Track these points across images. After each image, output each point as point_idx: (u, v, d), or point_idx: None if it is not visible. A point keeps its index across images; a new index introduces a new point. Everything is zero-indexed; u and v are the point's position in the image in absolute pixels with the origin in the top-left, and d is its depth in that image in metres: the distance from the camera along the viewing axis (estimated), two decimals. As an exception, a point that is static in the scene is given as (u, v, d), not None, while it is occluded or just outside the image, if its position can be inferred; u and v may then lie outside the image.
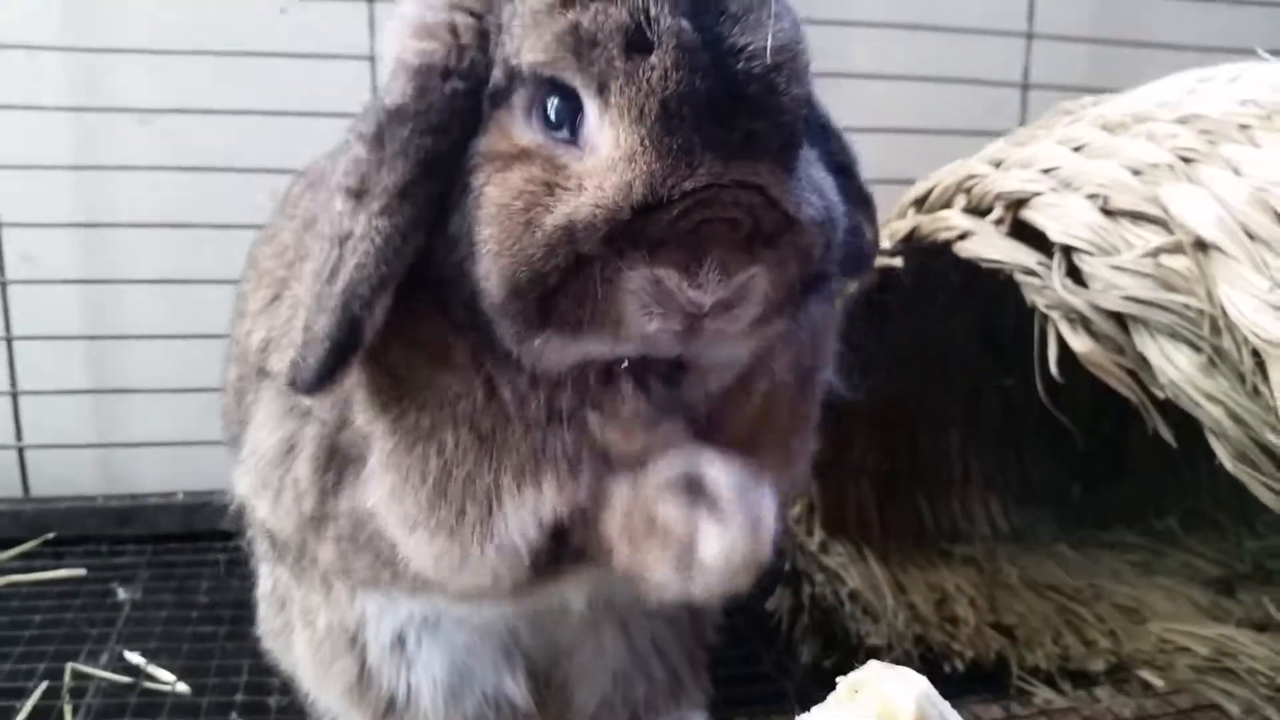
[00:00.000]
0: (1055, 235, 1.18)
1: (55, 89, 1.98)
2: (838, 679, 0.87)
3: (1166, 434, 1.13)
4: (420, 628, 1.21)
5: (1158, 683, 1.52)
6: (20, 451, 2.07)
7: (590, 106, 0.86)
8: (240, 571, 1.57)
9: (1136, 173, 1.18)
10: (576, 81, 0.86)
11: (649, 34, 0.82)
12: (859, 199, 1.06)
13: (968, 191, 1.32)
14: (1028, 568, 1.77)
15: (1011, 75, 2.21)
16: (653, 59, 0.82)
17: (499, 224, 0.86)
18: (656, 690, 1.33)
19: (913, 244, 1.38)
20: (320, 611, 1.23)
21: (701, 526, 0.91)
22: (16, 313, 2.01)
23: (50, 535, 1.99)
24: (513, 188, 0.86)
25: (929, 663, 1.55)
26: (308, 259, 1.11)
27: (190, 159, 1.99)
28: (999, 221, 1.26)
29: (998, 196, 1.27)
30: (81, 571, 1.90)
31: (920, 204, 1.40)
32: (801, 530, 1.65)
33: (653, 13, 0.83)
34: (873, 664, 0.86)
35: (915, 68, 2.16)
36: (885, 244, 1.41)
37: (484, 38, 0.92)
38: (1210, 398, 1.05)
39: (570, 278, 0.84)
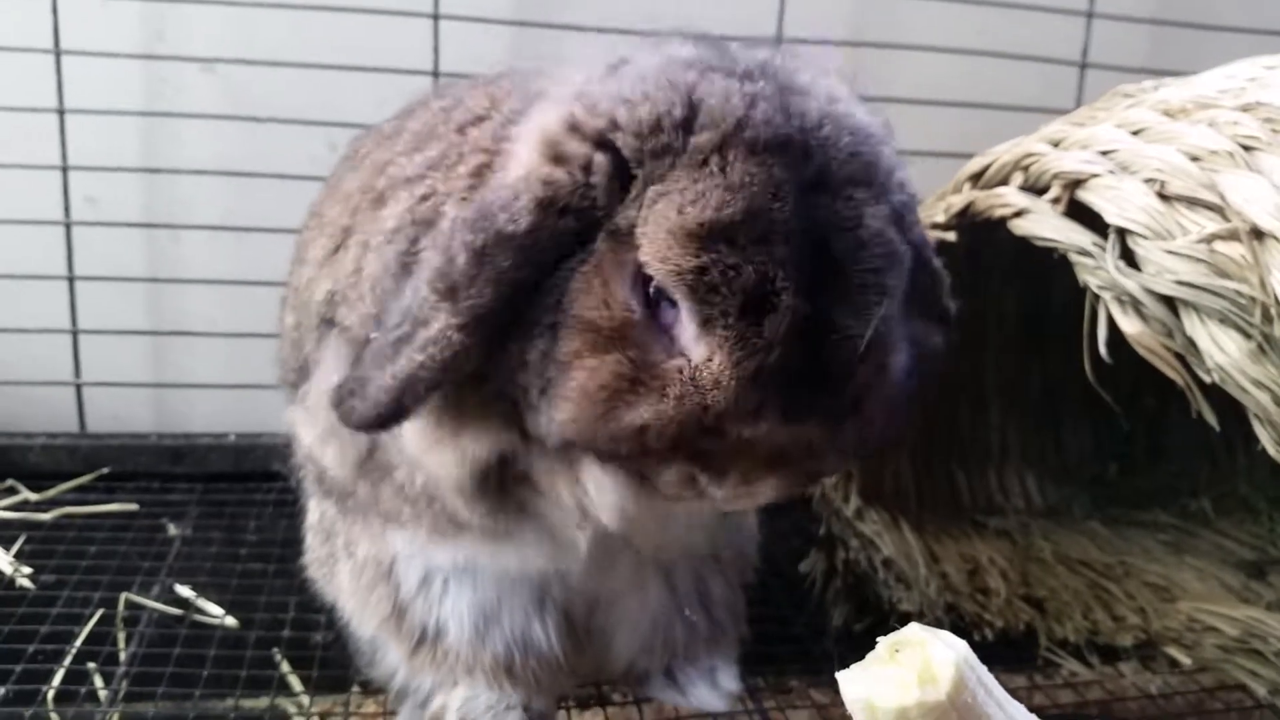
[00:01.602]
0: (1111, 217, 1.19)
1: (126, 36, 2.01)
2: (878, 639, 0.89)
3: (1211, 417, 1.14)
4: (448, 573, 1.24)
5: (1185, 660, 1.55)
6: (78, 388, 2.12)
7: (690, 322, 0.89)
8: (288, 511, 1.62)
9: (1195, 159, 1.18)
10: (685, 304, 0.89)
11: (767, 305, 0.86)
12: (939, 317, 1.08)
13: (1025, 169, 1.33)
14: (1060, 543, 1.79)
15: (1070, 54, 2.20)
16: (764, 328, 0.86)
17: (579, 406, 0.92)
18: (697, 636, 1.36)
19: (967, 219, 1.39)
20: (360, 543, 1.28)
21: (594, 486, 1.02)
22: (79, 253, 2.05)
23: (105, 470, 2.05)
24: (600, 379, 0.91)
25: (959, 631, 1.53)
26: (377, 204, 1.15)
27: (251, 109, 2.02)
28: (1055, 201, 1.27)
29: (1055, 176, 1.27)
30: (134, 506, 1.95)
31: (977, 180, 1.41)
32: (838, 496, 1.68)
33: (777, 286, 0.86)
34: (913, 625, 0.88)
35: (974, 42, 2.17)
36: (939, 218, 1.43)
37: (621, 173, 0.91)
38: (1258, 384, 1.06)
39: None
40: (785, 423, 0.89)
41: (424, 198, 1.08)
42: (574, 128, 0.92)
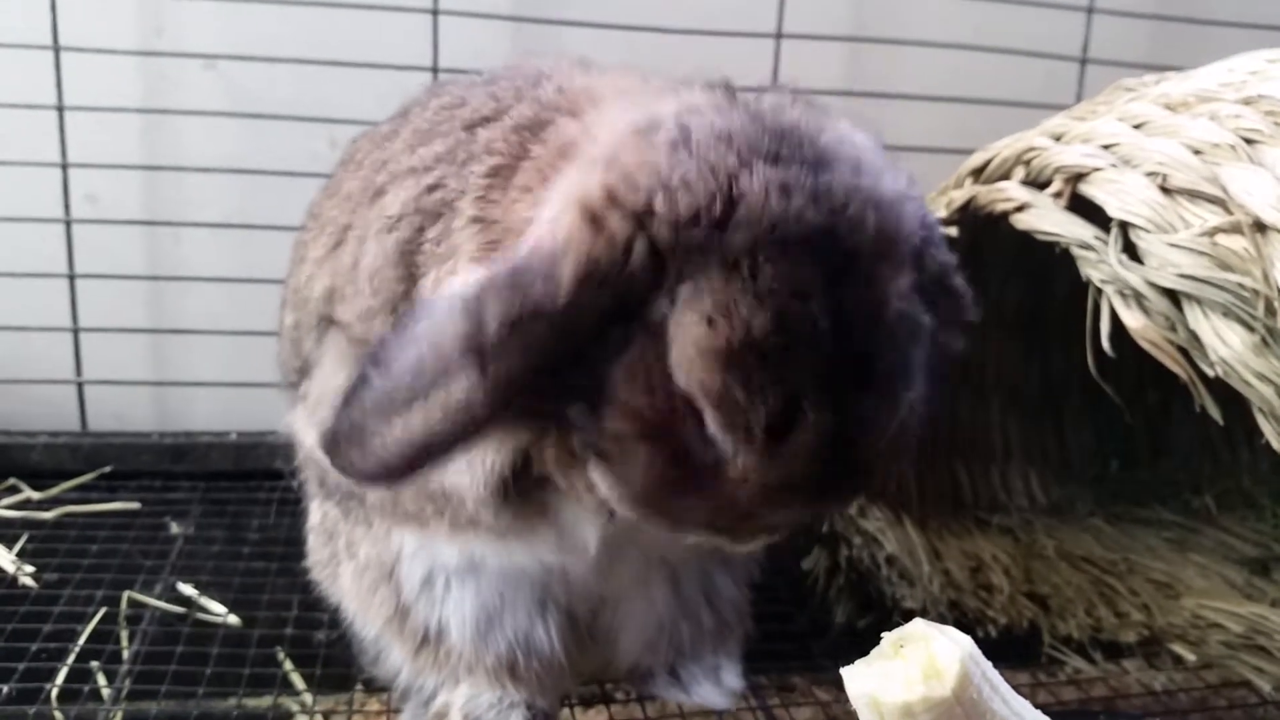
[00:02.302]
0: (1113, 211, 1.19)
1: (124, 33, 2.01)
2: (882, 635, 0.89)
3: (1214, 411, 1.14)
4: (450, 573, 1.24)
5: (1189, 657, 1.54)
6: (79, 387, 2.12)
7: (715, 426, 0.88)
8: (291, 510, 1.61)
9: (1197, 152, 1.18)
10: (708, 414, 0.88)
11: (793, 423, 0.86)
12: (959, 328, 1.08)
13: (1027, 164, 1.32)
14: (1063, 540, 1.78)
15: (1071, 49, 2.19)
16: (787, 445, 0.87)
17: (638, 497, 0.95)
18: (703, 634, 1.36)
19: (969, 214, 1.39)
20: (362, 544, 1.27)
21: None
22: (80, 251, 2.05)
23: (106, 469, 2.04)
24: (656, 472, 0.92)
25: (962, 627, 1.50)
26: (377, 196, 1.15)
27: (252, 106, 2.02)
28: (1057, 195, 1.26)
29: (1057, 170, 1.27)
30: (136, 505, 1.94)
31: (978, 174, 1.41)
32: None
33: (803, 405, 0.86)
34: (918, 621, 0.88)
35: (974, 37, 2.16)
36: (941, 213, 1.42)
37: (656, 267, 0.88)
38: (1261, 377, 1.06)
39: None
40: (812, 508, 0.94)
41: (431, 188, 1.08)
42: (614, 201, 0.89)
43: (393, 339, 0.93)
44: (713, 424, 0.88)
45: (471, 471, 1.04)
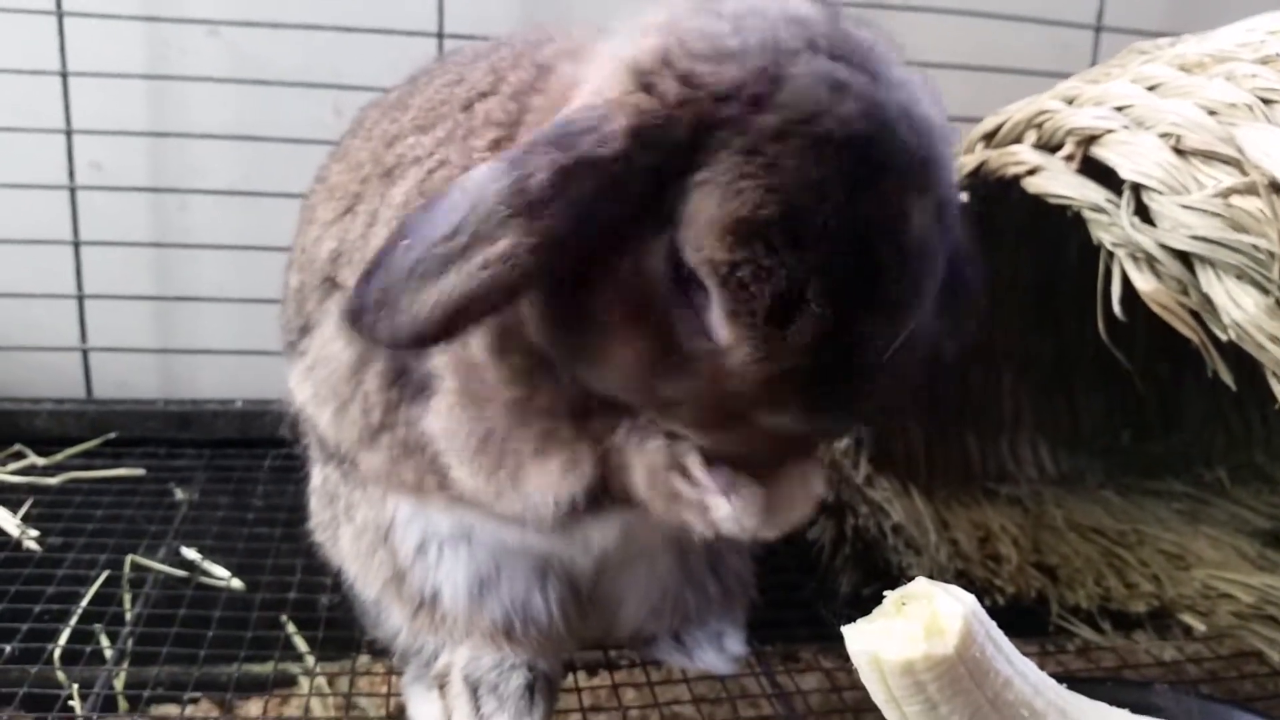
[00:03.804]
0: (1125, 173, 1.16)
1: (129, -2, 2.00)
2: (885, 593, 0.88)
3: (1226, 376, 1.12)
4: (444, 540, 1.24)
5: (1199, 627, 1.53)
6: (84, 354, 2.11)
7: (719, 310, 0.87)
8: (295, 477, 1.61)
9: (1212, 113, 1.16)
10: (715, 294, 0.86)
11: (795, 311, 0.84)
12: (968, 311, 1.07)
13: (1039, 127, 1.30)
14: (1073, 510, 1.77)
15: (1085, 17, 2.17)
16: (789, 333, 0.85)
17: (620, 378, 0.93)
18: (708, 602, 1.36)
19: (980, 179, 1.37)
20: (359, 507, 1.27)
21: (710, 502, 0.97)
22: (85, 218, 2.04)
23: (111, 436, 2.05)
24: (634, 352, 0.90)
25: None
26: (386, 176, 1.14)
27: (257, 72, 2.00)
28: (1069, 158, 1.24)
29: (1069, 133, 1.25)
30: (141, 472, 1.94)
31: (990, 139, 1.39)
32: (847, 463, 1.66)
33: (807, 294, 0.84)
34: (921, 580, 0.87)
35: (987, 5, 2.14)
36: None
37: (693, 136, 0.86)
38: (1275, 340, 1.03)
39: None
40: (805, 414, 0.88)
41: (432, 171, 1.07)
42: (667, 61, 0.87)
43: (423, 211, 0.90)
44: (716, 306, 0.86)
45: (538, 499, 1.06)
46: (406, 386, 1.12)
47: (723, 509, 0.96)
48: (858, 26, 0.93)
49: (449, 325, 0.87)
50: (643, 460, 1.01)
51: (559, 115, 0.90)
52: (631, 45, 0.91)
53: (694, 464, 0.97)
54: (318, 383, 1.21)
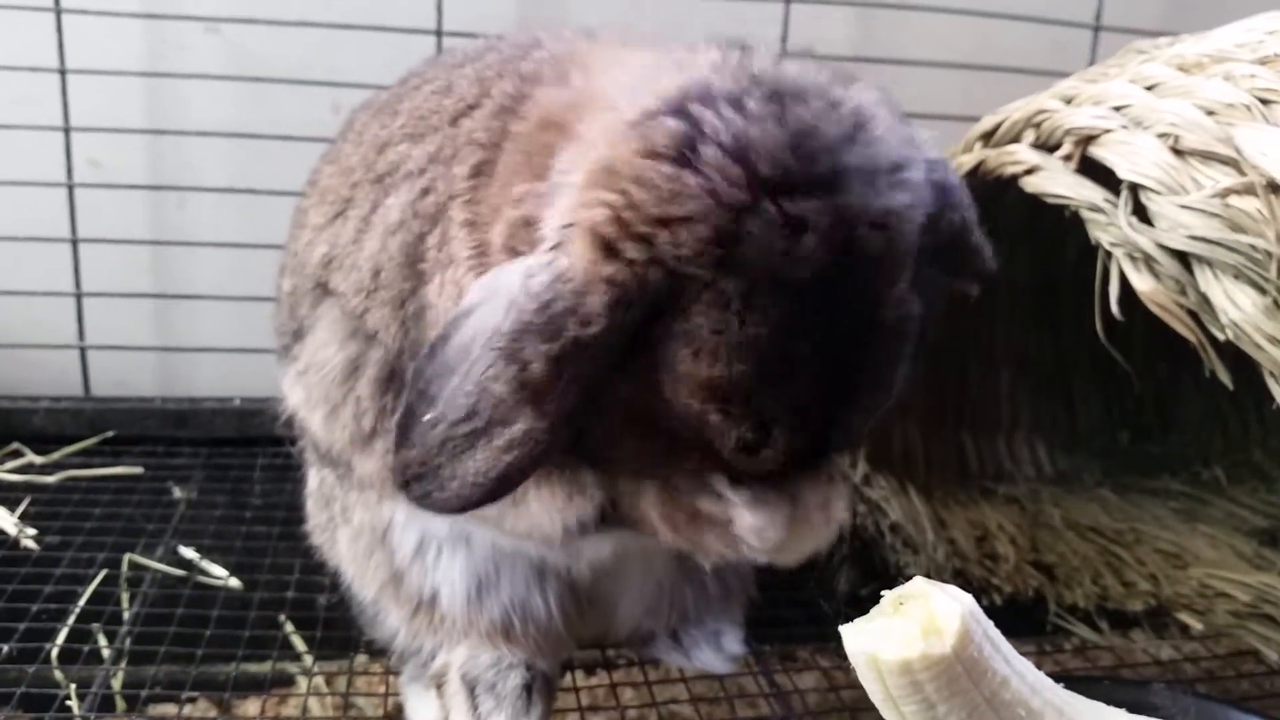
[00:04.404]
0: (1123, 173, 1.16)
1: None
2: (882, 592, 0.88)
3: (1224, 376, 1.12)
4: (443, 541, 1.24)
5: (1196, 626, 1.53)
6: (82, 352, 2.11)
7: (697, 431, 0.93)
8: (293, 476, 1.61)
9: (1210, 113, 1.16)
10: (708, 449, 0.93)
11: (764, 443, 0.91)
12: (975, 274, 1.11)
13: (1037, 126, 1.30)
14: (1070, 510, 1.77)
15: (1084, 16, 2.17)
16: (760, 457, 0.92)
17: (635, 463, 1.02)
18: (706, 599, 1.36)
19: (978, 178, 1.36)
20: (356, 509, 1.27)
21: (734, 514, 1.00)
22: (83, 216, 2.04)
23: (109, 434, 2.04)
24: (648, 450, 0.98)
25: None
26: (378, 183, 1.15)
27: (255, 69, 2.00)
28: (1067, 157, 1.24)
29: (1067, 132, 1.25)
30: (138, 470, 1.94)
31: (988, 138, 1.39)
32: (844, 462, 1.66)
33: (774, 432, 0.90)
34: (918, 579, 0.87)
35: (985, 3, 2.13)
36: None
37: (670, 277, 0.87)
38: (1273, 340, 1.04)
39: None
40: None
41: (425, 191, 1.08)
42: (624, 228, 0.86)
43: (430, 369, 0.93)
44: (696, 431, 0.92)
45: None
46: (400, 394, 1.12)
47: (747, 519, 0.98)
48: (831, 85, 0.92)
49: (490, 496, 0.93)
50: (661, 484, 1.04)
51: (534, 290, 0.89)
52: (584, 200, 0.89)
53: (719, 481, 0.99)
54: (310, 387, 1.21)
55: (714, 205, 0.84)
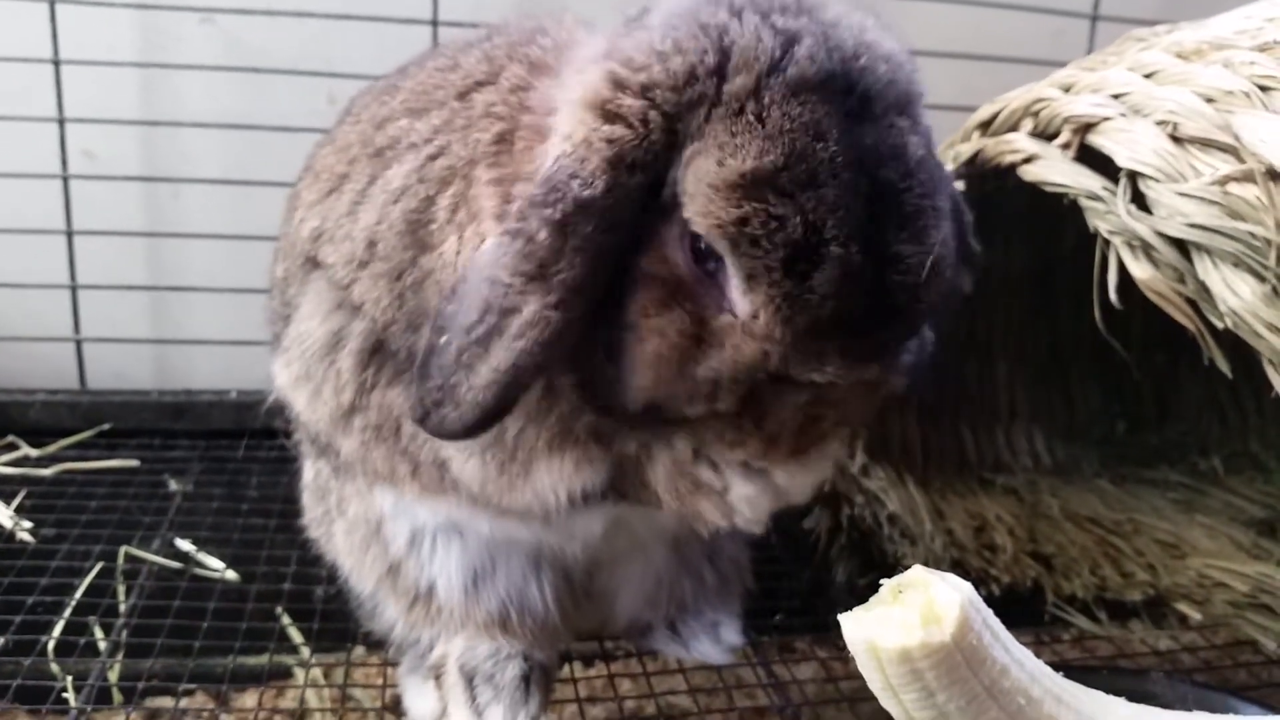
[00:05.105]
0: (1122, 160, 1.16)
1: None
2: (881, 581, 0.88)
3: (1223, 364, 1.12)
4: (436, 532, 1.24)
5: (1194, 615, 1.53)
6: (78, 344, 2.11)
7: (735, 275, 0.88)
8: (290, 468, 1.60)
9: (1209, 100, 1.15)
10: (728, 259, 0.88)
11: (816, 257, 0.85)
12: (964, 258, 1.08)
13: (1035, 115, 1.30)
14: (1068, 500, 1.77)
15: (1082, 6, 2.16)
16: (813, 282, 0.85)
17: (657, 370, 0.92)
18: (704, 591, 1.36)
19: (976, 167, 1.36)
20: (351, 502, 1.27)
21: (732, 482, 1.01)
22: (77, 208, 2.03)
23: (105, 426, 2.04)
24: (670, 340, 0.91)
25: None
26: (377, 156, 1.13)
27: (250, 60, 1.99)
28: (1066, 146, 1.24)
29: (1066, 120, 1.25)
30: (135, 463, 1.94)
31: (986, 127, 1.38)
32: (843, 453, 1.66)
33: (825, 235, 0.84)
34: (918, 568, 0.86)
35: (984, -7, 2.13)
36: (948, 167, 1.40)
37: (671, 136, 0.89)
38: (1272, 328, 1.03)
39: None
40: (847, 366, 0.88)
41: (432, 157, 1.07)
42: (620, 84, 0.90)
43: (448, 304, 0.94)
44: (732, 271, 0.88)
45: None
46: (383, 369, 1.12)
47: (741, 488, 1.00)
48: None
49: (505, 399, 0.91)
50: (668, 454, 1.03)
51: (540, 175, 0.92)
52: (579, 84, 0.93)
53: (718, 454, 1.00)
54: (291, 362, 1.21)
55: (698, 28, 0.89)
